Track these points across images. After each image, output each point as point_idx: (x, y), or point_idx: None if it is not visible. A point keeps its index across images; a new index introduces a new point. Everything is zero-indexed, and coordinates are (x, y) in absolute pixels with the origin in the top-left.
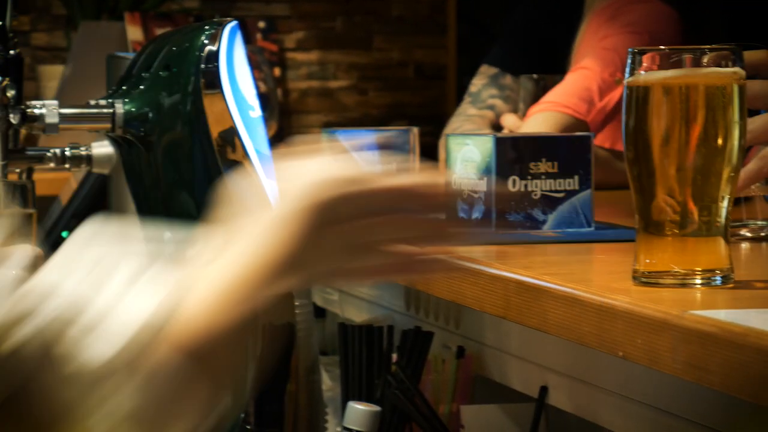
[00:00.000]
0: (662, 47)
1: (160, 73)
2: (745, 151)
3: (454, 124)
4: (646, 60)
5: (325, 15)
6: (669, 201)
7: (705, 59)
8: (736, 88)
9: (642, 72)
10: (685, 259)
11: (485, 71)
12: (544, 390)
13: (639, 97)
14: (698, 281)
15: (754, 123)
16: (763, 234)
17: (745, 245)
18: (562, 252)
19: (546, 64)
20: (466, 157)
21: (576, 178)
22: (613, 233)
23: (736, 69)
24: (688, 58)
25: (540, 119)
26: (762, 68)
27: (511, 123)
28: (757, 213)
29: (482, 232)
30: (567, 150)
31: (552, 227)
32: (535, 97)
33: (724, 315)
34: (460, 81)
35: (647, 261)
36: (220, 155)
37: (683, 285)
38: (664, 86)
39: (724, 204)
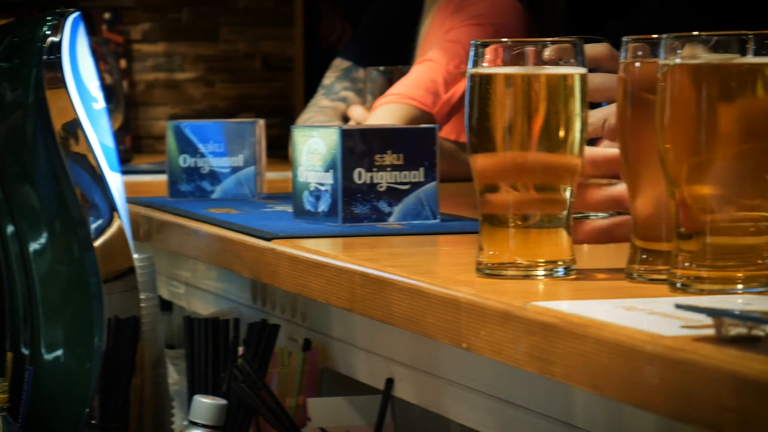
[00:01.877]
0: (504, 39)
1: (2, 64)
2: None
3: (307, 114)
4: (488, 52)
5: (171, 6)
6: (511, 192)
7: (547, 51)
8: (577, 80)
9: (485, 64)
10: (527, 251)
11: (339, 64)
12: (390, 382)
13: (481, 88)
14: (541, 273)
15: (595, 116)
16: None
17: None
18: (407, 244)
19: (400, 59)
20: (312, 149)
21: (421, 170)
22: (458, 225)
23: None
24: (531, 50)
25: (386, 111)
26: (603, 61)
27: (358, 115)
28: None
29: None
30: (412, 142)
31: (398, 219)
32: (383, 89)
33: (565, 306)
34: (308, 73)
35: (490, 253)
36: (63, 147)
37: (526, 277)
38: (507, 77)
39: (567, 196)
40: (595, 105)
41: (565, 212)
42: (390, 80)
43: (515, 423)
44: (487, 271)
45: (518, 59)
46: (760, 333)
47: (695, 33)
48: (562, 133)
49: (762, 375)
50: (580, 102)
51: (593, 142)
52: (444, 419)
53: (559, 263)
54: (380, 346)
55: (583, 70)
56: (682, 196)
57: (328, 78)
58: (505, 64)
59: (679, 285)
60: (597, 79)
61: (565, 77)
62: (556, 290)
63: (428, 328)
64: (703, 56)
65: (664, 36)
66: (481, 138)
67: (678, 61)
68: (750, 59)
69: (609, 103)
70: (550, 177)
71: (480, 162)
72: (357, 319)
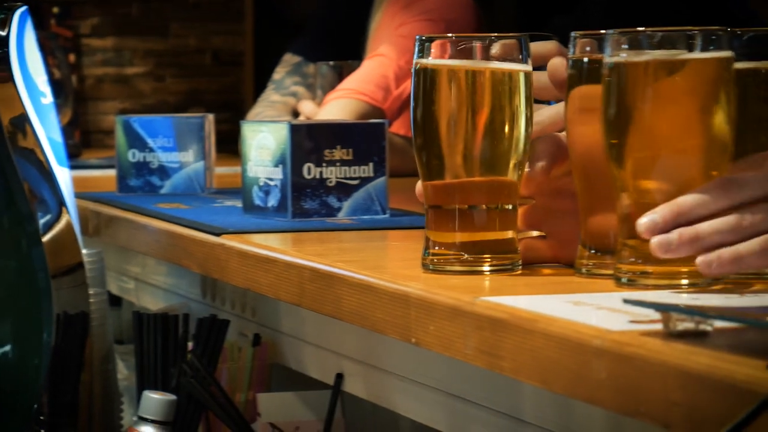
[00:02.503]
0: (450, 35)
1: None
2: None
3: (257, 109)
4: (434, 47)
5: (120, 1)
6: (456, 187)
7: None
8: (522, 76)
9: (430, 58)
10: (474, 247)
11: (289, 59)
12: (339, 377)
13: (426, 83)
14: (487, 268)
15: (542, 115)
16: None
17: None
18: (356, 239)
19: (350, 54)
20: (261, 144)
21: (371, 165)
22: (407, 220)
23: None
24: (477, 46)
25: (336, 106)
26: (551, 58)
27: (308, 110)
28: None
29: None
30: (362, 137)
31: (347, 214)
32: (333, 84)
33: (514, 301)
34: (258, 68)
35: (437, 248)
36: (11, 142)
37: (472, 272)
38: (451, 72)
39: (512, 191)
40: (543, 103)
41: (510, 206)
42: (340, 75)
43: (465, 418)
44: (432, 267)
45: (464, 54)
46: (708, 328)
47: (640, 29)
48: (506, 129)
49: (709, 370)
50: (524, 99)
51: None
52: (394, 414)
53: (506, 259)
54: (330, 341)
55: (528, 67)
56: (628, 191)
57: (278, 73)
58: (451, 59)
59: (624, 280)
60: (544, 77)
61: (509, 74)
62: (505, 285)
63: (377, 324)
64: (648, 52)
65: (609, 32)
66: (426, 132)
67: (623, 57)
68: (695, 55)
69: (557, 101)
70: (494, 173)
71: (425, 156)
72: (306, 314)
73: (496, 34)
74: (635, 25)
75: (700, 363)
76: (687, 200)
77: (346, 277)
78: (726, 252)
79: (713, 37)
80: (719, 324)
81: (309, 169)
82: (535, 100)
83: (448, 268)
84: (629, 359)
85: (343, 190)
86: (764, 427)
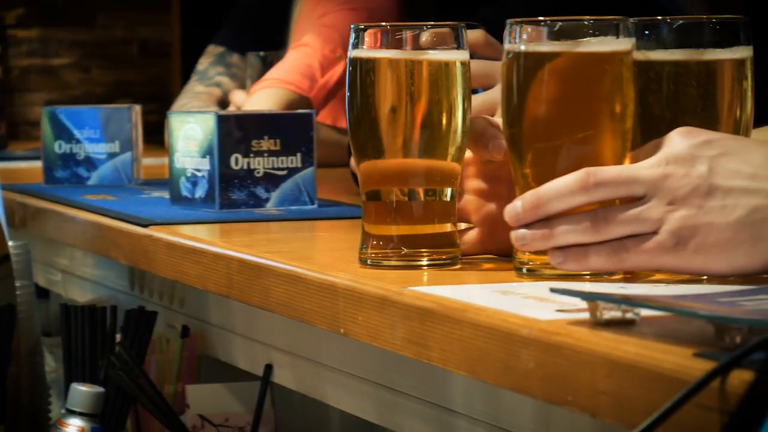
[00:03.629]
0: (384, 24)
1: None
2: None
3: (181, 101)
4: (368, 36)
5: None
6: (396, 180)
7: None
8: (459, 66)
9: (365, 47)
10: (413, 241)
11: (212, 50)
12: (268, 368)
13: (361, 73)
14: (425, 262)
15: (475, 101)
16: None
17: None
18: (285, 230)
19: (274, 43)
20: (189, 135)
21: (299, 155)
22: (335, 210)
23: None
24: (410, 35)
25: (263, 96)
26: (478, 48)
27: (240, 100)
28: None
29: None
30: (289, 127)
31: (275, 205)
32: (261, 74)
33: (442, 291)
34: (185, 59)
35: (374, 242)
36: None
37: (411, 267)
38: (389, 61)
39: (451, 184)
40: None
41: (449, 200)
42: (269, 65)
43: (394, 408)
44: (370, 262)
45: (399, 44)
46: (634, 316)
47: (540, 18)
48: (444, 120)
49: (636, 358)
50: (462, 87)
51: None
52: (323, 405)
53: (443, 252)
54: (259, 332)
55: (465, 55)
56: (528, 180)
57: (202, 64)
58: (386, 48)
59: (524, 270)
60: (473, 65)
61: (446, 63)
62: (434, 276)
63: (306, 314)
64: (547, 43)
65: (508, 22)
66: (363, 123)
67: (522, 47)
68: (593, 46)
69: (485, 89)
70: (433, 165)
71: (362, 145)
72: (235, 305)
73: (432, 23)
74: (558, 15)
75: (627, 352)
76: (546, 192)
77: (274, 268)
78: (573, 252)
79: (612, 27)
80: (646, 312)
81: (236, 159)
82: None
83: (386, 263)
84: (557, 348)
85: (271, 180)
86: (690, 415)
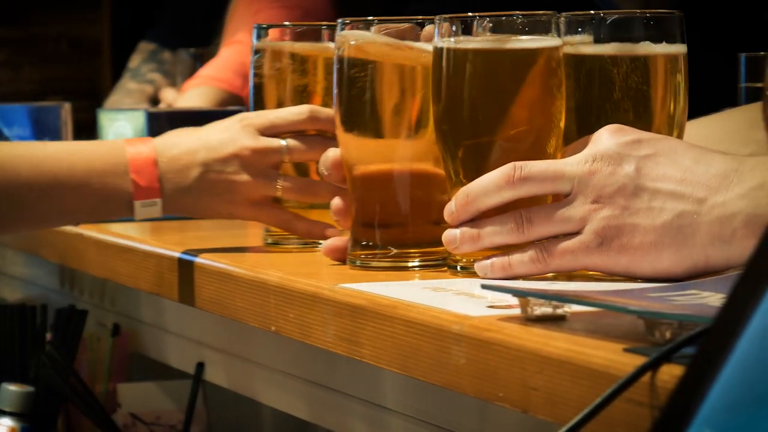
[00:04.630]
0: (371, 18)
1: None
2: None
3: (114, 98)
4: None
5: None
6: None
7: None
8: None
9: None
10: (401, 241)
11: (144, 47)
12: (200, 366)
13: (350, 69)
14: (416, 263)
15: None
16: None
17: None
18: (215, 227)
19: (205, 41)
20: (119, 132)
21: None
22: None
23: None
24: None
25: (195, 94)
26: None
27: (171, 97)
28: None
29: None
30: None
31: None
32: (193, 71)
33: (373, 288)
34: (116, 56)
35: (363, 244)
36: None
37: (399, 267)
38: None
39: (440, 184)
40: None
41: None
42: (201, 62)
43: (326, 406)
44: (359, 263)
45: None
46: (565, 312)
47: (469, 15)
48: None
49: (567, 354)
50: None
51: None
52: (255, 403)
53: (434, 254)
54: (190, 330)
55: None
56: (460, 177)
57: (134, 61)
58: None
59: (459, 268)
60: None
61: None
62: (365, 273)
63: (237, 312)
64: (476, 39)
65: (437, 18)
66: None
67: (451, 42)
68: (521, 42)
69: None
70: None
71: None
72: (166, 303)
73: (393, 17)
74: (495, 10)
75: (557, 347)
76: (474, 188)
77: (205, 266)
78: (497, 261)
79: (543, 23)
80: (576, 308)
81: None
82: None
83: (375, 264)
84: (488, 344)
85: None
86: (621, 410)
